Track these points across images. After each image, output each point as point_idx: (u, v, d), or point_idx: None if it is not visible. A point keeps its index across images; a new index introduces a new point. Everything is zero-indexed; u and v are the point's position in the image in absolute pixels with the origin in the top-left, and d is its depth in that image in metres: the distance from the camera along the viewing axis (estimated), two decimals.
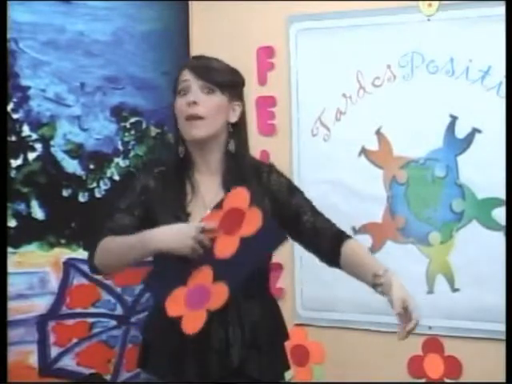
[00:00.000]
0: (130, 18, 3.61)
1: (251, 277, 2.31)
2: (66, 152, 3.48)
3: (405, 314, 2.27)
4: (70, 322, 3.48)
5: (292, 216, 2.46)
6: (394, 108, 3.31)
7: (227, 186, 2.41)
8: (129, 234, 2.35)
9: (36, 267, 3.39)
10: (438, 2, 3.22)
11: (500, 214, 3.11)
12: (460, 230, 3.21)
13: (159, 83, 3.63)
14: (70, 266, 3.47)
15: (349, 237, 2.48)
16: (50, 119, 3.44)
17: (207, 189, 2.44)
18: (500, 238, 3.10)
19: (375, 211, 3.34)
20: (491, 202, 3.14)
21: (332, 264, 2.48)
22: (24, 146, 3.40)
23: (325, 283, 3.38)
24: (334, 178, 3.40)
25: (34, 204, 3.41)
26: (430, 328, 3.23)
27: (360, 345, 3.40)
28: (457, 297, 3.21)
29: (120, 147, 3.59)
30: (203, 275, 2.30)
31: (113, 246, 2.37)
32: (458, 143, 3.21)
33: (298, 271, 3.49)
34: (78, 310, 3.49)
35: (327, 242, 2.45)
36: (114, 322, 3.57)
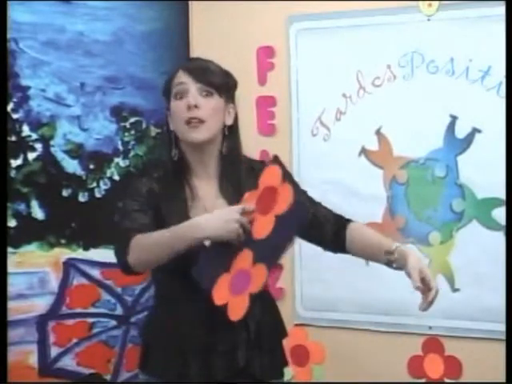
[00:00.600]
0: (130, 18, 3.60)
1: None
2: (66, 152, 3.48)
3: (423, 284, 2.27)
4: (70, 322, 3.48)
5: None
6: (394, 108, 3.31)
7: (225, 190, 2.40)
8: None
9: (36, 267, 3.39)
10: (437, 1, 3.22)
11: (500, 214, 3.11)
12: (460, 230, 3.22)
13: (159, 83, 3.56)
14: (69, 266, 3.47)
15: (350, 220, 2.48)
16: (49, 119, 3.44)
17: (206, 194, 2.41)
18: (500, 238, 3.10)
19: (375, 211, 3.33)
20: (491, 202, 3.15)
21: (337, 250, 2.48)
22: (24, 146, 3.40)
23: (325, 283, 3.38)
24: (334, 177, 3.40)
25: (34, 204, 3.41)
26: (430, 328, 3.23)
27: (360, 345, 3.40)
28: (457, 297, 3.21)
29: (120, 147, 3.59)
30: (244, 259, 2.26)
31: (150, 241, 2.28)
32: (457, 143, 3.21)
33: (298, 271, 3.49)
34: (78, 310, 3.49)
35: (330, 229, 2.45)
36: (114, 322, 3.56)
